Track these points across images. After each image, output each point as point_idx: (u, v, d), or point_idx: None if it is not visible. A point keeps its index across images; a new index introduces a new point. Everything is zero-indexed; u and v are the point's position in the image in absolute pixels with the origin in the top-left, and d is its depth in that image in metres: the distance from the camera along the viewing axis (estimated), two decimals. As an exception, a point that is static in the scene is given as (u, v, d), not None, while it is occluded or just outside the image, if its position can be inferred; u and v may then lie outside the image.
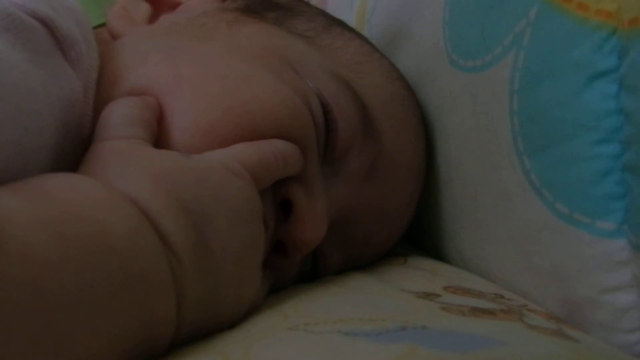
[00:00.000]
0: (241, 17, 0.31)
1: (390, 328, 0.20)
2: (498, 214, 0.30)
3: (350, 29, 0.36)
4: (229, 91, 0.27)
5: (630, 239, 0.24)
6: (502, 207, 0.29)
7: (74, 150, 0.24)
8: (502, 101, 0.28)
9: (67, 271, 0.17)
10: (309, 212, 0.27)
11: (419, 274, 0.30)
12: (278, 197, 0.27)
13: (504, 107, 0.28)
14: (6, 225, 0.16)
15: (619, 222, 0.24)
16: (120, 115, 0.25)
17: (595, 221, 0.24)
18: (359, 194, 0.30)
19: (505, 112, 0.28)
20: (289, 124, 0.27)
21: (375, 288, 0.27)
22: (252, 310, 0.24)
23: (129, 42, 0.30)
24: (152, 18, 0.32)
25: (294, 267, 0.28)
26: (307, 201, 0.27)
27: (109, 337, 0.18)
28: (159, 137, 0.26)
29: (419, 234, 0.38)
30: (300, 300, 0.25)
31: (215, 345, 0.20)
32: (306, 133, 0.28)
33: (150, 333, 0.19)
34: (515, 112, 0.27)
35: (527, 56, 0.27)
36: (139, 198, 0.20)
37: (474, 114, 0.31)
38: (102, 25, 0.33)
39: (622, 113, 0.24)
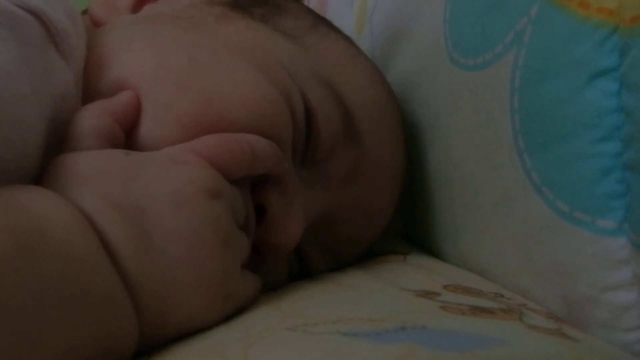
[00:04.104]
0: (229, 12, 0.31)
1: (389, 328, 0.20)
2: (498, 212, 0.30)
3: (337, 30, 0.35)
4: (211, 85, 0.27)
5: (630, 238, 0.24)
6: (502, 205, 0.29)
7: (62, 144, 0.24)
8: (503, 99, 0.28)
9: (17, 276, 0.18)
10: (281, 216, 0.27)
11: (418, 272, 0.30)
12: (255, 201, 0.27)
13: (504, 105, 0.28)
14: None
15: (620, 221, 0.24)
16: (84, 128, 0.24)
17: (596, 219, 0.24)
18: (340, 196, 0.30)
19: (506, 110, 0.28)
20: (266, 122, 0.27)
21: (375, 286, 0.27)
22: (245, 305, 0.24)
23: (113, 29, 0.30)
24: (136, 7, 0.32)
25: (274, 268, 0.28)
26: (281, 205, 0.27)
27: (65, 343, 0.18)
28: (137, 129, 0.26)
29: (419, 233, 0.38)
30: (299, 298, 0.25)
31: (213, 346, 0.20)
32: (282, 132, 0.27)
33: (108, 335, 0.20)
34: (516, 110, 0.27)
35: (528, 54, 0.27)
36: (85, 211, 0.21)
37: (475, 112, 0.31)
38: (84, 12, 0.32)
39: (623, 111, 0.24)
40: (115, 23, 0.30)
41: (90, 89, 0.26)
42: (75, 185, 0.22)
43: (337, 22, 0.54)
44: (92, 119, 0.25)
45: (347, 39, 0.35)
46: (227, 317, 0.24)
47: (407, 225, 0.41)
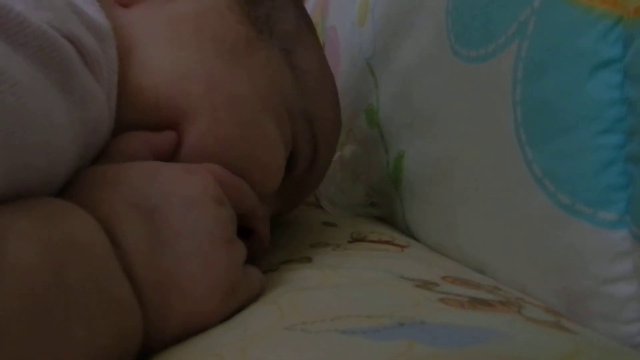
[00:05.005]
0: (251, 37, 0.32)
1: (387, 325, 0.20)
2: (499, 205, 0.29)
3: (310, 28, 0.37)
4: (249, 145, 0.30)
5: (632, 230, 0.24)
6: (503, 198, 0.29)
7: (91, 161, 0.25)
8: (505, 91, 0.28)
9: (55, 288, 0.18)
10: (265, 236, 0.32)
11: (416, 263, 0.30)
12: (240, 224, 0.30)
13: (506, 98, 0.28)
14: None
15: (621, 213, 0.24)
16: (124, 152, 0.26)
17: (597, 212, 0.24)
18: (284, 202, 0.36)
19: (508, 102, 0.28)
20: (269, 182, 0.32)
21: (374, 276, 0.27)
22: (248, 302, 0.25)
23: (154, 41, 0.29)
24: None
25: None
26: (264, 228, 0.31)
27: (89, 353, 0.19)
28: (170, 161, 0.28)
29: (419, 225, 0.38)
30: (297, 292, 0.25)
31: (212, 346, 0.21)
32: (275, 188, 0.32)
33: (123, 340, 0.21)
34: (518, 103, 0.27)
35: (530, 46, 0.26)
36: (102, 212, 0.22)
37: (476, 105, 0.30)
38: None
39: (626, 103, 0.23)
40: (149, 24, 0.30)
41: (131, 110, 0.27)
42: (96, 191, 0.23)
43: (339, 15, 0.53)
44: (134, 146, 0.27)
45: (317, 41, 0.37)
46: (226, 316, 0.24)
47: (407, 218, 0.41)
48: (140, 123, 0.28)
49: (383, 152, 0.44)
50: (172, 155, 0.28)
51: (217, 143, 0.29)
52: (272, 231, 0.33)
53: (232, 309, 0.24)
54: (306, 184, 0.37)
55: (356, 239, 0.37)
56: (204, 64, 0.30)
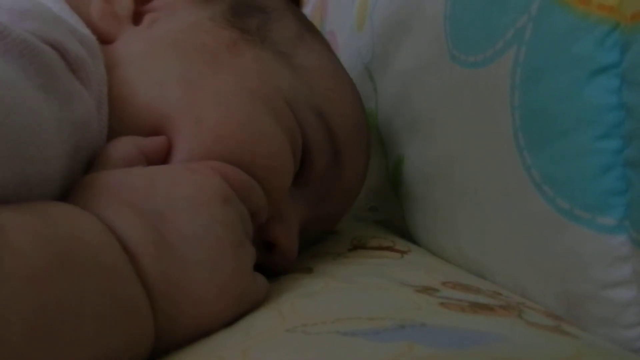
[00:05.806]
0: (236, 39, 0.32)
1: (388, 326, 0.20)
2: (498, 209, 0.30)
3: (316, 34, 0.37)
4: (244, 140, 0.29)
5: (631, 235, 0.24)
6: (502, 202, 0.29)
7: (84, 167, 0.25)
8: (503, 96, 0.28)
9: (61, 288, 0.18)
10: (288, 247, 0.31)
11: (417, 269, 0.30)
12: (262, 237, 0.30)
13: (504, 102, 0.28)
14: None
15: (620, 218, 0.24)
16: (115, 157, 0.26)
17: (596, 217, 0.24)
18: (315, 211, 0.34)
19: (506, 107, 0.28)
20: (278, 178, 0.30)
21: (375, 282, 0.27)
22: (252, 307, 0.25)
23: (133, 59, 0.30)
24: (136, 17, 0.32)
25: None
26: (286, 238, 0.31)
27: (100, 356, 0.19)
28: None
29: (418, 228, 0.38)
30: (297, 296, 0.25)
31: (213, 349, 0.21)
32: (285, 184, 0.31)
33: (135, 343, 0.21)
34: (516, 107, 0.27)
35: (528, 51, 0.26)
36: (108, 220, 0.22)
37: (475, 109, 0.31)
38: None
39: (623, 108, 0.24)
40: (130, 46, 0.30)
41: (119, 119, 0.27)
42: (98, 197, 0.23)
43: (337, 19, 0.54)
44: (124, 150, 0.26)
45: (326, 46, 0.37)
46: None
47: (407, 222, 0.41)
48: (130, 133, 0.27)
49: (382, 156, 0.44)
50: (165, 160, 0.28)
51: (209, 140, 0.28)
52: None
53: (240, 312, 0.24)
54: (337, 190, 0.35)
55: (357, 246, 0.37)
56: (180, 68, 0.30)
